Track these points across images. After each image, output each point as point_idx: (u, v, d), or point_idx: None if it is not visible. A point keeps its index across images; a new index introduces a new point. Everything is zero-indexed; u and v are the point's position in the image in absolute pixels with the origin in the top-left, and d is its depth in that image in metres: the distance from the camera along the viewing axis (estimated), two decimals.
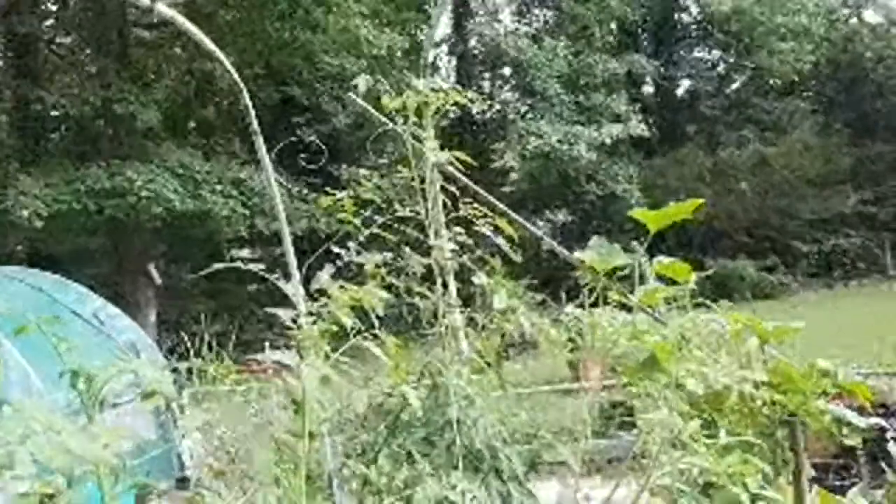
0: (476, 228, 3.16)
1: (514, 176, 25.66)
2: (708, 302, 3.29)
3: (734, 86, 31.70)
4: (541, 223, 23.53)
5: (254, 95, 4.05)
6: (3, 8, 18.18)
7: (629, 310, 3.24)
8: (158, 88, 19.31)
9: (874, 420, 3.53)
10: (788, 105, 29.78)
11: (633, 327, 2.88)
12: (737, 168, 28.06)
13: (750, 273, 25.28)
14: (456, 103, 3.22)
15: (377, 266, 2.83)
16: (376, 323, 2.62)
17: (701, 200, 3.17)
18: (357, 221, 3.10)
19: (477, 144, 25.95)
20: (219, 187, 18.32)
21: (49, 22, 22.06)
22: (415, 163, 3.14)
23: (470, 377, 2.90)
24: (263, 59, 19.67)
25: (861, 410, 3.19)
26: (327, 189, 3.22)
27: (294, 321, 2.48)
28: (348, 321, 2.50)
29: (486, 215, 3.18)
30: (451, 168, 3.24)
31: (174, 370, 3.86)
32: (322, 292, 2.58)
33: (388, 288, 2.80)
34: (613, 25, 28.86)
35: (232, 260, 2.81)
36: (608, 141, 24.52)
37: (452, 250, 3.09)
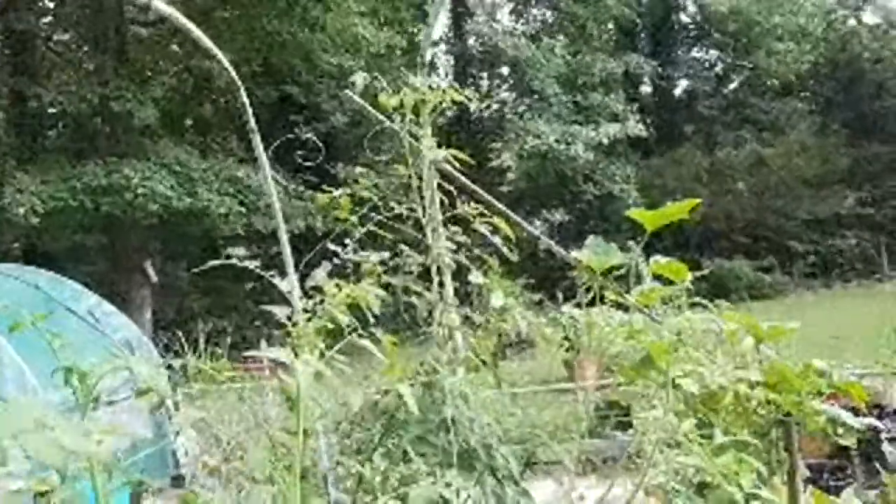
0: (473, 227, 3.16)
1: (511, 175, 25.66)
2: (704, 302, 3.30)
3: (732, 86, 31.75)
4: (538, 222, 23.56)
5: (251, 93, 4.04)
6: (0, 4, 18.13)
7: (625, 309, 3.25)
8: (156, 86, 19.27)
9: (868, 420, 3.53)
10: (786, 105, 29.82)
11: (630, 327, 2.88)
12: (734, 168, 28.11)
13: (746, 273, 25.33)
14: (454, 102, 3.22)
15: (374, 264, 2.83)
16: (372, 321, 2.62)
17: (697, 200, 3.17)
18: (354, 219, 3.10)
19: (474, 143, 25.97)
20: (215, 185, 18.30)
21: (47, 19, 22.01)
22: (412, 161, 3.14)
23: (466, 376, 2.90)
24: (261, 56, 19.64)
25: (856, 411, 3.20)
26: (324, 187, 3.22)
27: (289, 318, 2.48)
28: (344, 319, 2.50)
29: (483, 214, 3.18)
30: (448, 167, 3.24)
31: (169, 367, 3.85)
32: (318, 290, 2.58)
33: (385, 286, 2.80)
34: (611, 25, 28.92)
35: (228, 257, 2.80)
36: (605, 140, 24.54)
37: (449, 249, 3.09)
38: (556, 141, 24.07)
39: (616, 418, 5.61)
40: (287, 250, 3.48)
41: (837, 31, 29.82)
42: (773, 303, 21.97)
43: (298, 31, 19.14)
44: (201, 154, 19.85)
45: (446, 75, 29.53)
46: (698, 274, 3.22)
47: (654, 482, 2.65)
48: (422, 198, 3.13)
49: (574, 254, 3.32)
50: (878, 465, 4.98)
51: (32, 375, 4.77)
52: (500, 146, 25.46)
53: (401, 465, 2.54)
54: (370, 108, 3.36)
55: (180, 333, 4.98)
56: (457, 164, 3.24)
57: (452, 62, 30.69)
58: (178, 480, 5.18)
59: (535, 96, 25.96)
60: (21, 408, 1.45)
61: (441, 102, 3.18)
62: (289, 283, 3.02)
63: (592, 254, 3.22)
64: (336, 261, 2.88)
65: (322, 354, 2.36)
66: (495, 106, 28.74)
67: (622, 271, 3.28)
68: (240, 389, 4.33)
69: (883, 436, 5.20)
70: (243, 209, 18.40)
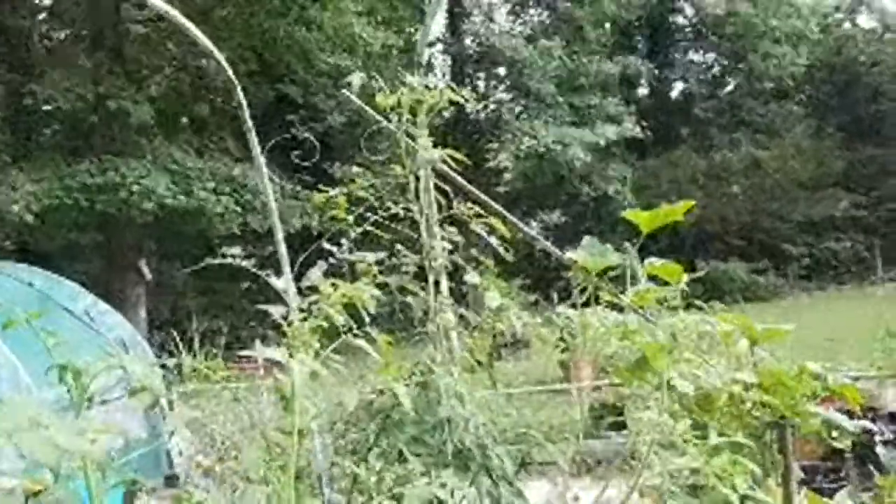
0: (470, 228, 3.16)
1: (507, 176, 25.71)
2: (699, 303, 3.30)
3: (728, 88, 31.83)
4: (534, 223, 23.59)
5: (248, 92, 4.03)
6: None
7: (621, 310, 3.25)
8: (152, 84, 19.25)
9: (863, 423, 3.54)
10: (782, 108, 29.91)
11: (625, 327, 2.88)
12: (729, 171, 28.19)
13: (741, 275, 25.40)
14: (451, 102, 3.22)
15: (370, 264, 2.83)
16: (368, 321, 2.62)
17: (692, 202, 3.16)
18: (350, 219, 3.09)
19: (471, 144, 25.98)
20: (211, 184, 18.27)
21: (42, 16, 21.95)
22: (409, 161, 3.13)
23: (461, 376, 2.90)
24: (258, 55, 19.62)
25: (850, 413, 3.20)
26: (321, 186, 3.21)
27: (285, 318, 2.47)
28: (339, 318, 2.50)
29: (479, 215, 3.17)
30: (445, 167, 3.24)
31: (163, 367, 3.84)
32: (313, 289, 2.58)
33: (381, 286, 2.80)
34: (608, 27, 28.94)
35: (224, 257, 2.80)
36: (602, 142, 24.59)
37: (445, 249, 3.09)
38: (553, 142, 24.11)
39: (611, 419, 5.62)
40: (283, 250, 3.47)
41: (833, 34, 29.93)
42: (767, 305, 22.03)
43: (295, 31, 19.13)
44: (197, 153, 19.81)
45: (443, 76, 29.53)
46: (693, 276, 3.21)
47: (649, 483, 2.65)
48: (418, 198, 3.13)
49: (569, 254, 3.32)
50: (872, 467, 4.99)
51: (26, 374, 4.76)
52: (496, 147, 25.51)
53: (396, 466, 2.54)
54: (367, 107, 3.35)
55: (175, 332, 4.98)
56: (453, 165, 3.24)
57: (449, 62, 30.70)
58: (171, 480, 5.17)
59: (532, 97, 26.00)
60: (15, 406, 1.44)
61: (438, 103, 3.18)
62: (284, 283, 3.02)
63: (588, 254, 3.21)
64: (332, 260, 2.88)
65: (317, 354, 2.36)
66: (492, 107, 28.74)
67: (617, 272, 3.28)
68: (234, 389, 4.32)
69: (877, 438, 5.22)
70: (239, 208, 18.38)
